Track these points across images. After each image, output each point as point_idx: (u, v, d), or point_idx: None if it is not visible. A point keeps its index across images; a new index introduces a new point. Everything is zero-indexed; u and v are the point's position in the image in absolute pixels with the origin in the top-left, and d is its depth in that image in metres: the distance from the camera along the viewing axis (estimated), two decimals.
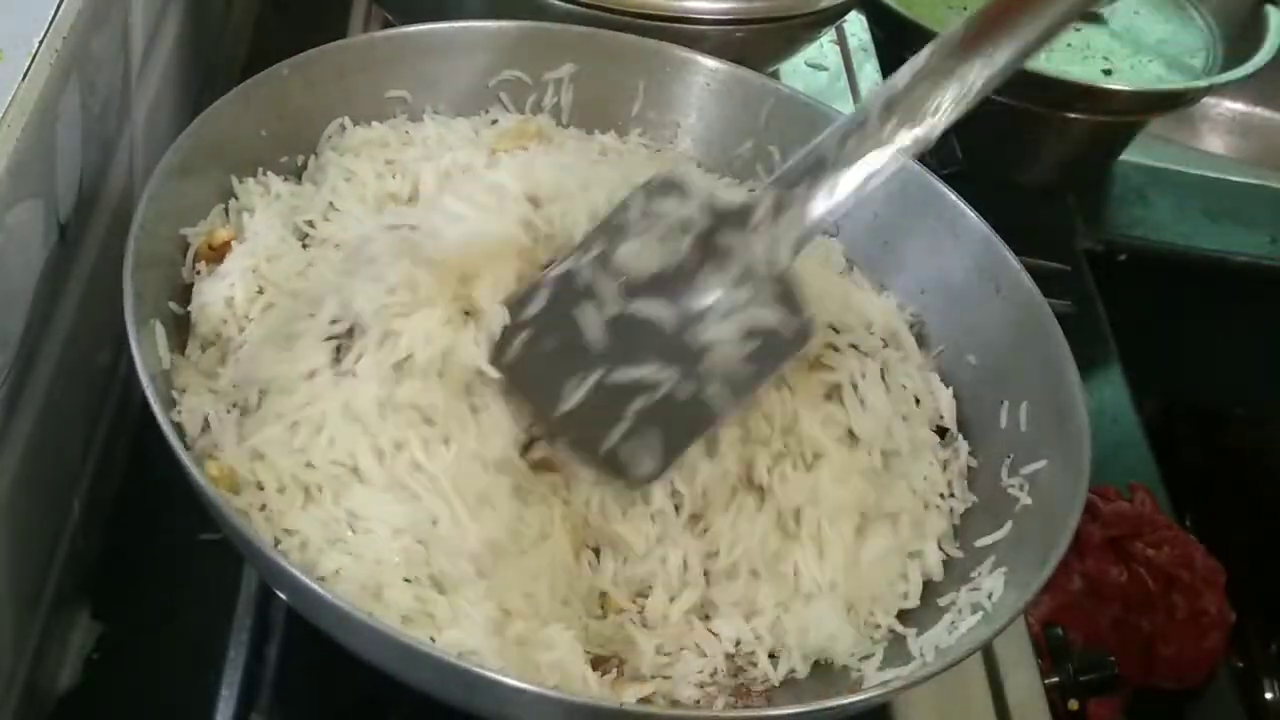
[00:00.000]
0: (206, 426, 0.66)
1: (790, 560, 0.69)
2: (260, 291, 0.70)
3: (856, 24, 1.22)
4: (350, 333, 0.68)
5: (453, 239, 0.71)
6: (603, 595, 0.68)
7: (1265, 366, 1.37)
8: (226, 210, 0.75)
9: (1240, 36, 1.32)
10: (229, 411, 0.66)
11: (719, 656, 0.67)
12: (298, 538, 0.63)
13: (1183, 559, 1.01)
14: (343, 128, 0.81)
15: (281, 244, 0.72)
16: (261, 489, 0.64)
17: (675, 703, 0.66)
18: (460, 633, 0.61)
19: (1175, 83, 1.28)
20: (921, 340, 0.81)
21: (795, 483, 0.70)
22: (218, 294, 0.70)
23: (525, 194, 0.74)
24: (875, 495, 0.72)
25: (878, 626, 0.69)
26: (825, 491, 0.70)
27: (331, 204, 0.76)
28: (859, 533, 0.71)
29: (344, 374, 0.67)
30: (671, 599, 0.68)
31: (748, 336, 0.67)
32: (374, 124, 0.82)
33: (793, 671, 0.68)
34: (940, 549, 0.72)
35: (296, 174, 0.79)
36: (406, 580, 0.62)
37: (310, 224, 0.75)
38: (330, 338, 0.68)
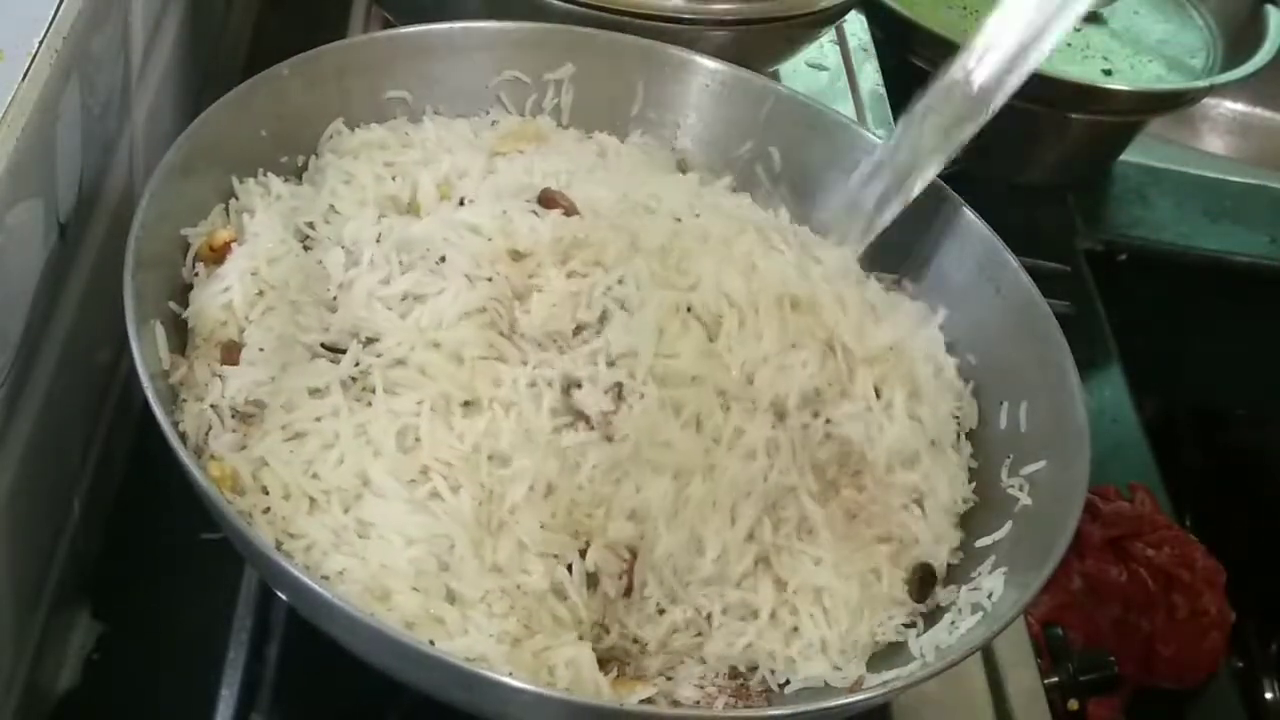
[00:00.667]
0: (209, 427, 0.66)
1: (789, 608, 0.68)
2: (260, 294, 0.70)
3: (856, 24, 1.21)
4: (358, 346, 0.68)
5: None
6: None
7: (1265, 366, 1.37)
8: (227, 210, 0.74)
9: (1240, 36, 1.33)
10: (232, 416, 0.66)
11: (720, 663, 0.67)
12: (303, 541, 0.63)
13: (1183, 559, 1.01)
14: (340, 130, 0.81)
15: (281, 245, 0.72)
16: (266, 493, 0.64)
17: (676, 703, 0.66)
18: (470, 641, 0.61)
19: (1175, 83, 1.28)
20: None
21: (800, 570, 0.69)
22: (214, 298, 0.69)
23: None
24: (889, 557, 0.71)
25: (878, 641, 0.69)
26: (832, 574, 0.69)
27: (332, 206, 0.76)
28: (866, 587, 0.69)
29: (358, 398, 0.67)
30: (674, 632, 0.67)
31: None
32: (373, 126, 0.82)
33: (789, 682, 0.68)
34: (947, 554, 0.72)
35: (297, 174, 0.79)
36: (415, 590, 0.62)
37: (311, 226, 0.75)
38: (333, 348, 0.68)
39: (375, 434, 0.65)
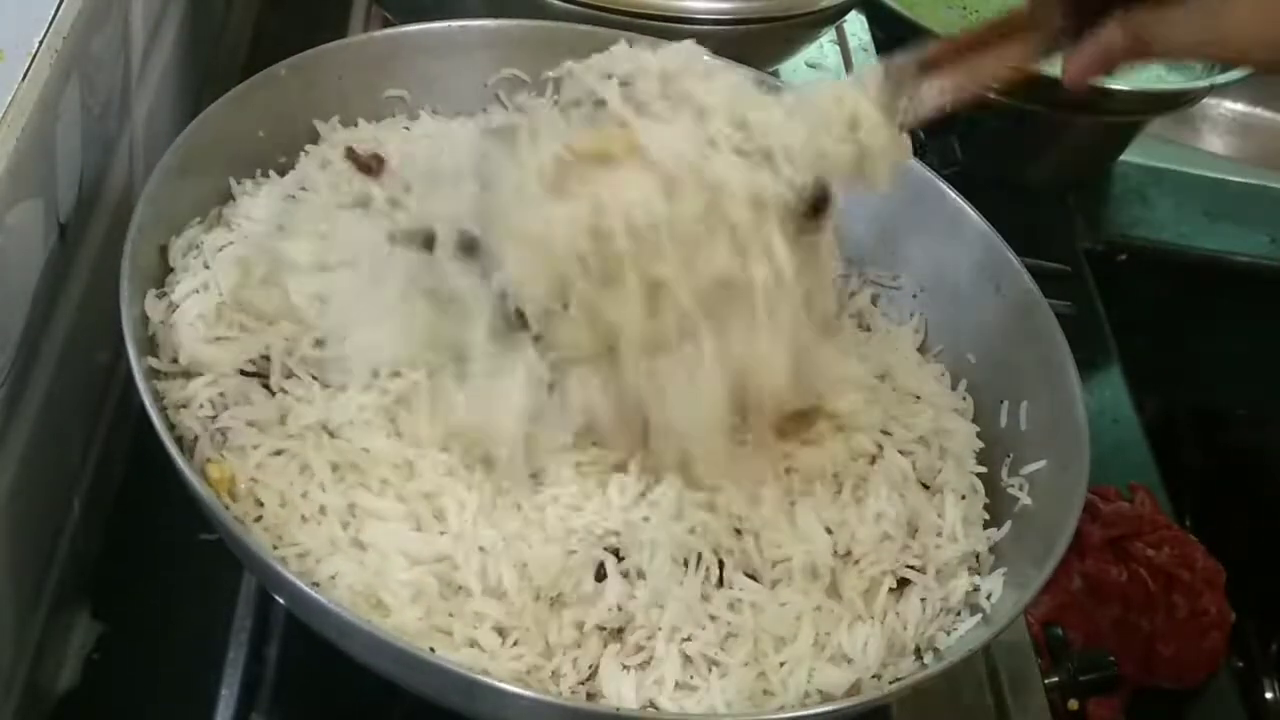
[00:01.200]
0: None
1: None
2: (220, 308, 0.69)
3: (856, 24, 1.22)
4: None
5: None
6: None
7: (1265, 366, 1.37)
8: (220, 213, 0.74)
9: None
10: (213, 424, 0.65)
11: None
12: (296, 548, 0.62)
13: (1183, 559, 1.01)
14: (335, 128, 0.81)
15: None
16: (261, 504, 0.63)
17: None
18: (474, 652, 0.61)
19: (1175, 83, 1.27)
20: (923, 348, 0.82)
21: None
22: (160, 309, 0.68)
23: None
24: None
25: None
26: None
27: (303, 188, 0.75)
28: (891, 644, 0.67)
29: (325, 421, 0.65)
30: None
31: None
32: (365, 123, 0.82)
33: None
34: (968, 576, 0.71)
35: None
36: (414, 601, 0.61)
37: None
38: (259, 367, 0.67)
39: (346, 462, 0.64)
